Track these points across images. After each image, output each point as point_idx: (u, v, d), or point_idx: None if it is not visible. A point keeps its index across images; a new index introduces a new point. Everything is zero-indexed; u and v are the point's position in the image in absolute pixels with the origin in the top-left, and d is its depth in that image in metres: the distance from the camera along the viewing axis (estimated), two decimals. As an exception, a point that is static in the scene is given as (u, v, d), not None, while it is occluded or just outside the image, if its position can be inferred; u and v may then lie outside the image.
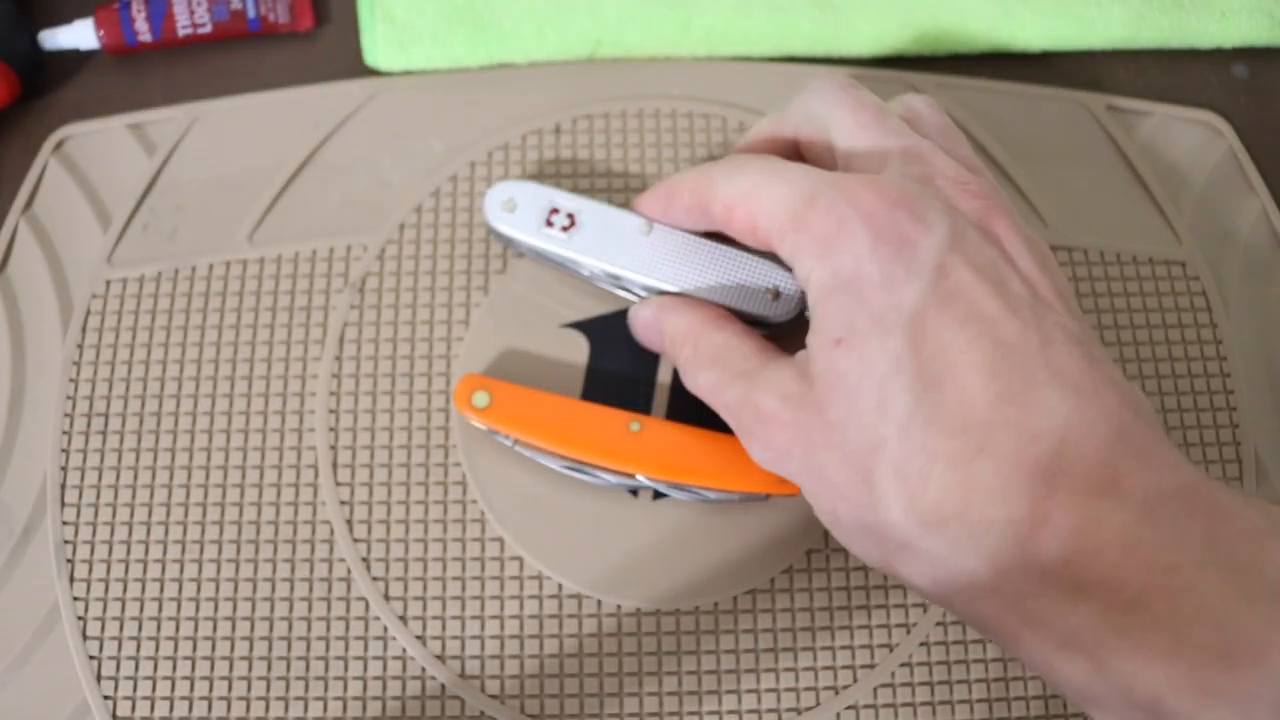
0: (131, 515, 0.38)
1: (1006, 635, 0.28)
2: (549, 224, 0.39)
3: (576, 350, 0.40)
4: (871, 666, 0.36)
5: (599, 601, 0.37)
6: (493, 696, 0.36)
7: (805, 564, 0.38)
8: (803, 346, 0.32)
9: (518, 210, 0.39)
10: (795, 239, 0.31)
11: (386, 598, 0.37)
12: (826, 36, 0.45)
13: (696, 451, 0.37)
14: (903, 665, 0.36)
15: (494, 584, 0.37)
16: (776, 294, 0.37)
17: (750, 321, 0.39)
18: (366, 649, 0.37)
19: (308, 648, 0.37)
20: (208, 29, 0.45)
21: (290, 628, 0.37)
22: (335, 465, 0.39)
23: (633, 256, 0.38)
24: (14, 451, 0.39)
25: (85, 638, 0.37)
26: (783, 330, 0.39)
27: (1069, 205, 0.43)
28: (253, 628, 0.37)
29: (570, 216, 0.39)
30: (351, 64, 0.46)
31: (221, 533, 0.38)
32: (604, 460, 0.37)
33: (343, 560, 0.38)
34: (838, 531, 0.31)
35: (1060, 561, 0.26)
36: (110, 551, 0.38)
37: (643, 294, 0.39)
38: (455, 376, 0.40)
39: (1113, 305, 0.42)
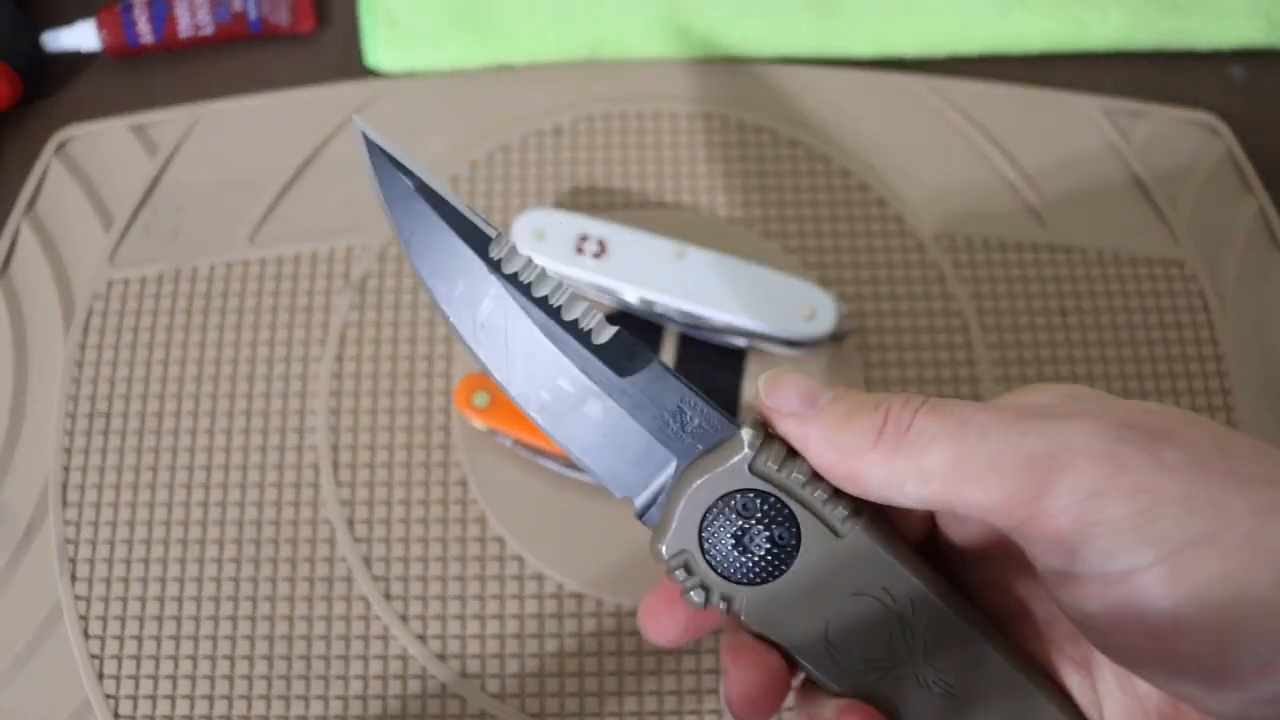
0: (133, 515, 0.38)
1: None
2: (580, 251, 0.39)
3: (576, 350, 0.40)
4: (870, 665, 0.36)
5: (599, 601, 0.37)
6: (493, 695, 0.36)
7: (804, 563, 0.38)
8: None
9: (547, 238, 0.40)
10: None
11: (387, 597, 0.37)
12: (825, 38, 0.46)
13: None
14: (901, 664, 0.37)
15: (494, 584, 0.37)
16: (812, 313, 0.38)
17: (784, 343, 0.39)
18: (367, 648, 0.37)
19: (309, 647, 0.37)
20: (209, 30, 0.45)
21: (291, 627, 0.37)
22: (336, 465, 0.39)
23: (666, 280, 0.39)
24: (16, 451, 0.39)
25: (87, 637, 0.37)
26: (817, 350, 0.39)
27: (1067, 206, 0.44)
28: (254, 627, 0.37)
29: (601, 243, 0.39)
30: (352, 65, 0.46)
31: (223, 532, 0.38)
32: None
33: (343, 560, 0.38)
34: None
35: None
36: (112, 551, 0.38)
37: (677, 318, 0.39)
38: (455, 376, 0.40)
39: (1110, 305, 0.42)
